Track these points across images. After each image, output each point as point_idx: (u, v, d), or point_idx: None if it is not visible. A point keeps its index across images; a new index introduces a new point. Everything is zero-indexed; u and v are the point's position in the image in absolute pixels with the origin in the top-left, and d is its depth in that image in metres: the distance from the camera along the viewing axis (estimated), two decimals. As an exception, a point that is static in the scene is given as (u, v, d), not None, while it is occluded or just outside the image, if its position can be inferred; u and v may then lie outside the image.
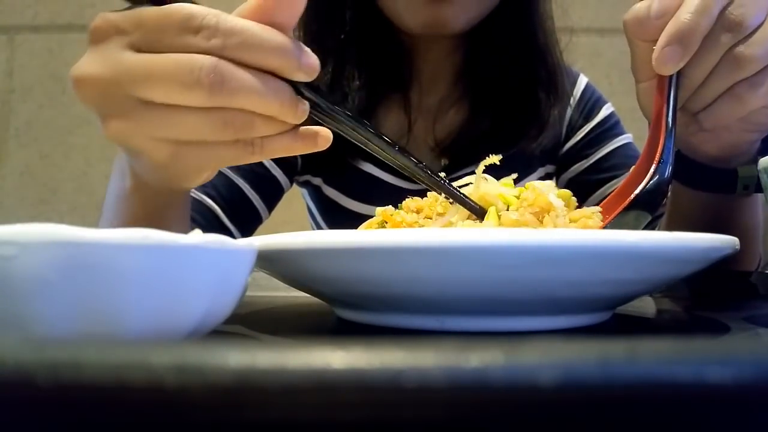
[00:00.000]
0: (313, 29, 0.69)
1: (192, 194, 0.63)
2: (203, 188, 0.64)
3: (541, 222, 0.31)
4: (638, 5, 0.38)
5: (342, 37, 0.68)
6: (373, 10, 0.67)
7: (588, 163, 0.73)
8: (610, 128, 0.73)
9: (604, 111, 0.74)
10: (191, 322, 0.20)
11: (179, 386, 0.12)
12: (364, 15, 0.68)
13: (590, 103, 0.74)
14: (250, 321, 0.31)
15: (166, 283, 0.19)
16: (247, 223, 0.68)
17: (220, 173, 0.65)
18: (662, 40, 0.36)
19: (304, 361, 0.12)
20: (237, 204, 0.66)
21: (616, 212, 0.35)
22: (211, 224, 0.64)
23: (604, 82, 1.48)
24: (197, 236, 0.20)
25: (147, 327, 0.19)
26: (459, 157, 0.70)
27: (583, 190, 0.71)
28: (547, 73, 0.69)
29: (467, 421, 0.12)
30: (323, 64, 0.65)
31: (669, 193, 0.54)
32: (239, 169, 0.67)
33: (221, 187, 0.65)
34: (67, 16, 1.59)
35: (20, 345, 0.12)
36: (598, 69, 1.51)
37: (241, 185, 0.67)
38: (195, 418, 0.12)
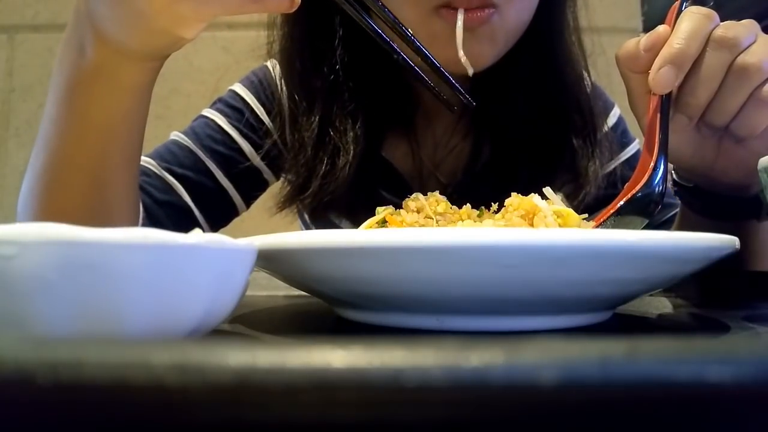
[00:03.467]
0: (299, 68, 0.61)
1: (153, 168, 0.60)
2: (167, 165, 0.61)
3: (531, 224, 0.31)
4: (628, 42, 0.42)
5: (332, 77, 0.59)
6: (369, 45, 0.57)
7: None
8: (618, 138, 0.69)
9: (611, 118, 0.69)
10: (191, 321, 0.20)
11: (179, 385, 0.12)
12: (359, 49, 0.59)
13: (598, 107, 0.67)
14: (251, 320, 0.31)
15: (166, 283, 0.19)
16: (215, 211, 0.63)
17: (191, 152, 0.62)
18: (657, 64, 0.39)
19: (304, 361, 0.12)
20: (205, 188, 0.62)
21: (604, 217, 0.35)
22: (171, 205, 0.60)
23: (604, 81, 1.47)
24: (197, 236, 0.20)
25: (147, 326, 0.19)
26: (467, 197, 0.62)
27: (594, 205, 0.65)
28: (580, 114, 0.62)
29: (467, 420, 0.12)
30: (310, 109, 0.59)
31: (677, 219, 0.55)
32: (213, 152, 0.62)
33: (189, 168, 0.61)
34: (67, 16, 1.58)
35: (20, 344, 0.12)
36: (598, 68, 1.51)
37: (212, 169, 0.62)
38: (195, 417, 0.12)
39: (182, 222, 0.60)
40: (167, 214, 0.60)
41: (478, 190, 0.59)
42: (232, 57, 1.42)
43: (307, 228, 0.74)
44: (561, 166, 0.61)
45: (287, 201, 0.62)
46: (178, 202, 0.60)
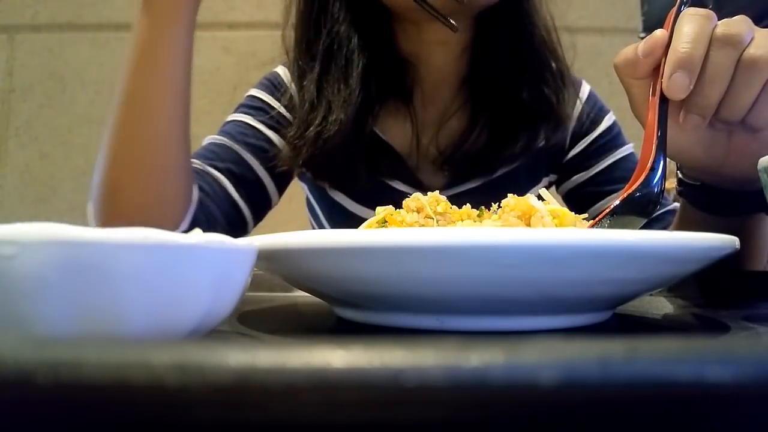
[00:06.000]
0: (300, 34, 0.69)
1: (198, 166, 0.64)
2: (210, 161, 0.65)
3: (528, 225, 0.31)
4: (626, 49, 0.42)
5: (331, 42, 0.66)
6: (373, 15, 0.66)
7: (588, 175, 0.73)
8: (611, 140, 0.73)
9: (606, 122, 0.74)
10: (191, 321, 0.20)
11: (180, 385, 0.12)
12: (361, 18, 0.67)
13: (593, 113, 0.74)
14: (250, 320, 0.31)
15: (166, 283, 0.19)
16: (257, 202, 0.68)
17: (229, 148, 0.67)
18: (667, 70, 0.38)
19: (304, 361, 0.12)
20: (247, 180, 0.66)
21: (600, 217, 0.35)
22: (220, 198, 0.63)
23: (604, 81, 1.48)
24: (197, 236, 0.20)
25: (147, 326, 0.19)
26: (461, 169, 0.69)
27: (583, 202, 0.72)
28: (553, 73, 0.69)
29: (467, 420, 0.12)
30: (311, 69, 0.67)
31: (678, 217, 0.55)
32: (248, 145, 0.67)
33: (231, 162, 0.66)
34: (67, 16, 1.59)
35: (20, 344, 0.12)
36: (598, 68, 1.51)
37: (250, 161, 0.67)
38: (195, 417, 0.12)
39: (231, 215, 0.64)
40: (218, 206, 0.63)
41: (473, 160, 0.67)
42: (233, 57, 1.42)
43: (312, 211, 0.79)
44: (542, 116, 0.68)
45: (288, 154, 0.66)
46: (224, 194, 0.64)
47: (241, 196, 0.65)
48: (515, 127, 0.68)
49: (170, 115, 0.52)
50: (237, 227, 0.65)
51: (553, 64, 0.69)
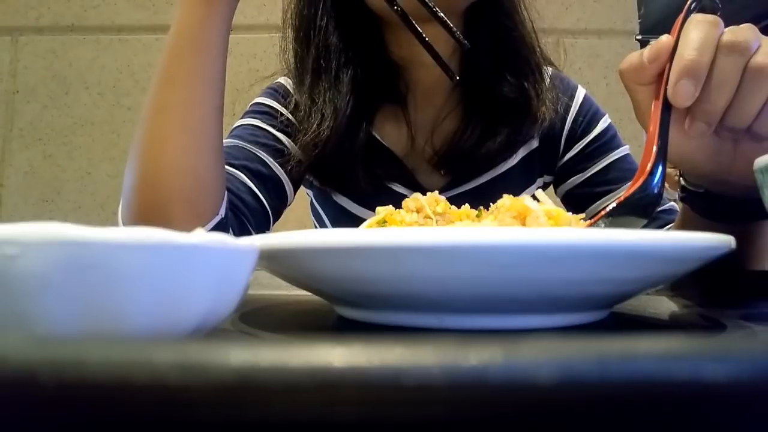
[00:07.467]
0: (294, 48, 0.71)
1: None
2: (225, 161, 0.65)
3: (524, 225, 0.31)
4: (631, 55, 0.42)
5: (318, 54, 0.69)
6: (362, 24, 0.68)
7: (584, 177, 0.74)
8: (607, 142, 0.75)
9: (602, 125, 0.75)
10: (193, 320, 0.21)
11: (181, 384, 0.12)
12: (351, 28, 0.69)
13: (588, 115, 0.75)
14: (252, 319, 0.31)
15: (168, 282, 0.19)
16: (276, 197, 0.68)
17: (241, 148, 0.68)
18: (673, 78, 0.39)
19: (305, 359, 0.12)
20: (264, 175, 0.67)
21: (596, 218, 0.35)
22: (242, 191, 0.64)
23: (602, 83, 1.48)
24: (199, 236, 0.20)
25: (149, 325, 0.19)
26: (457, 167, 0.71)
27: (580, 203, 0.73)
28: (532, 68, 0.72)
29: (467, 418, 0.12)
30: (303, 83, 0.69)
31: (678, 221, 0.56)
32: (259, 144, 0.68)
33: (245, 160, 0.66)
34: (71, 18, 1.59)
35: (23, 343, 0.12)
36: (596, 70, 1.51)
37: (264, 158, 0.67)
38: (197, 415, 0.12)
39: (255, 209, 0.65)
40: (240, 199, 0.63)
41: (467, 158, 0.69)
42: (233, 58, 1.42)
43: (317, 216, 0.80)
44: (523, 110, 0.70)
45: (295, 161, 0.69)
46: (245, 188, 0.64)
47: (260, 190, 0.66)
48: (500, 122, 0.70)
49: (211, 99, 0.53)
50: (262, 221, 0.65)
51: (532, 60, 0.71)
